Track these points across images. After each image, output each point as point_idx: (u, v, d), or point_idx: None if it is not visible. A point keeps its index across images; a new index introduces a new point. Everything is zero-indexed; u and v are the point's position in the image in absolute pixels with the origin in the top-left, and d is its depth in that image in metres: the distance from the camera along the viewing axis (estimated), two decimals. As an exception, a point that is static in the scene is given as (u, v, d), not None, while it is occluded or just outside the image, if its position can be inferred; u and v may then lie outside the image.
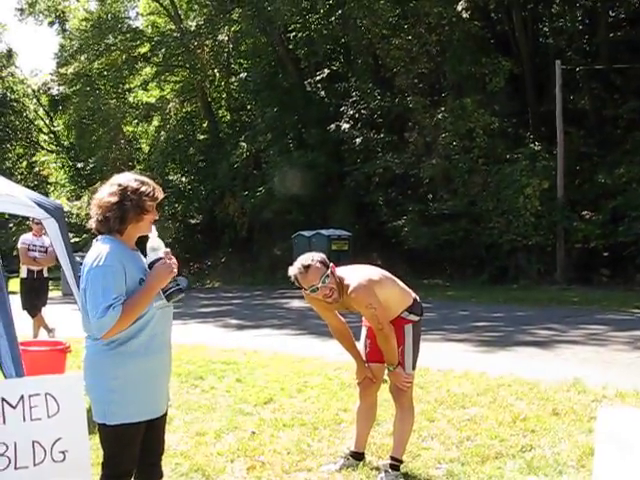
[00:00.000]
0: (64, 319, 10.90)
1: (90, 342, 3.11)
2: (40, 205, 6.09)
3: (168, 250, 3.13)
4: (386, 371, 4.53)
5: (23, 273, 10.09)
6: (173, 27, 32.28)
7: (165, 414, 3.30)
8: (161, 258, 3.09)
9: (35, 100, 42.41)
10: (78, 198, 34.36)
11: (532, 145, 21.69)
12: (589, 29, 23.90)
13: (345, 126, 25.65)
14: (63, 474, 3.43)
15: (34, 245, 9.96)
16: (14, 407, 3.40)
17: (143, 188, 3.10)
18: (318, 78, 27.91)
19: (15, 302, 7.39)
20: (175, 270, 3.10)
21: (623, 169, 19.78)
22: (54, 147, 41.51)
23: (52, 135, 41.87)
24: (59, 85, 37.12)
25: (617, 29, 22.45)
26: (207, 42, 30.30)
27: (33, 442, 3.40)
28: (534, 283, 20.13)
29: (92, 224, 3.14)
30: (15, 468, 3.36)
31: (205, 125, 33.75)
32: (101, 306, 2.90)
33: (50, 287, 11.19)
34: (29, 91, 42.12)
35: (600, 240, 19.86)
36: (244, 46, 31.22)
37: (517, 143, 21.90)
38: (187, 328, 12.26)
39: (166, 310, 3.17)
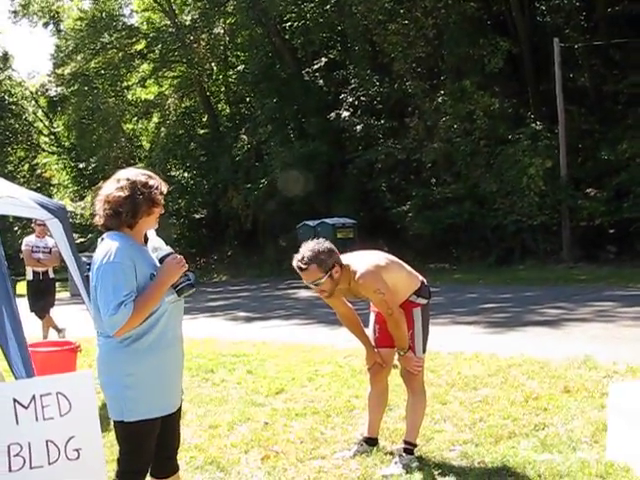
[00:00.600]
0: (73, 319, 10.97)
1: (103, 340, 3.08)
2: (43, 206, 6.05)
3: (170, 249, 3.12)
4: (396, 356, 4.53)
5: (29, 275, 10.11)
6: (168, 23, 32.24)
7: (179, 408, 3.29)
8: (172, 253, 3.07)
9: (34, 102, 42.41)
10: (81, 198, 34.48)
11: (533, 125, 21.57)
12: (587, 5, 23.68)
13: (345, 114, 25.61)
14: (78, 472, 3.45)
15: (37, 246, 9.97)
16: (26, 407, 3.41)
17: (152, 182, 3.10)
18: (316, 67, 27.87)
19: (23, 304, 7.43)
20: (186, 265, 3.08)
21: (625, 145, 19.67)
22: (55, 148, 41.54)
23: (52, 136, 41.88)
24: (57, 86, 37.13)
25: (615, 4, 22.24)
26: (203, 36, 30.25)
27: (47, 441, 3.42)
28: (541, 263, 20.07)
29: (100, 220, 3.09)
30: (30, 468, 3.38)
31: (205, 119, 33.73)
32: (112, 303, 2.88)
33: (58, 288, 11.23)
34: (27, 93, 42.09)
35: (605, 217, 19.79)
36: (240, 38, 31.14)
37: (518, 123, 21.79)
38: (196, 322, 12.31)
39: (177, 305, 3.16)
